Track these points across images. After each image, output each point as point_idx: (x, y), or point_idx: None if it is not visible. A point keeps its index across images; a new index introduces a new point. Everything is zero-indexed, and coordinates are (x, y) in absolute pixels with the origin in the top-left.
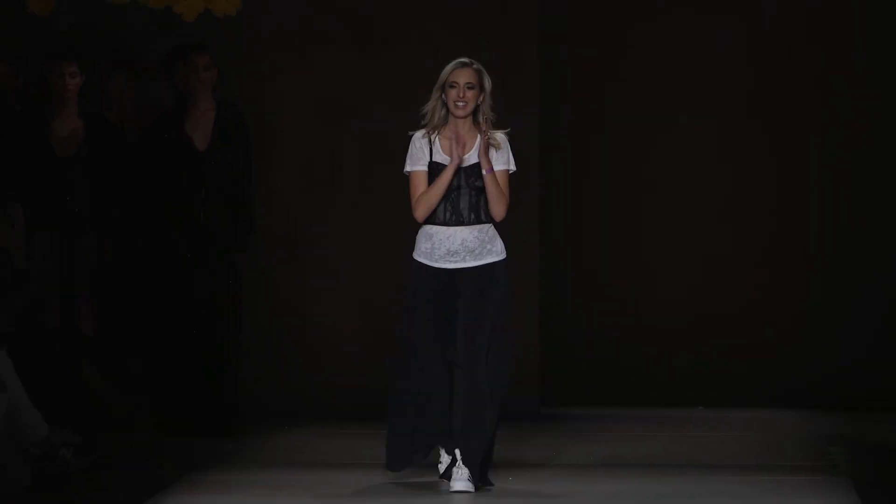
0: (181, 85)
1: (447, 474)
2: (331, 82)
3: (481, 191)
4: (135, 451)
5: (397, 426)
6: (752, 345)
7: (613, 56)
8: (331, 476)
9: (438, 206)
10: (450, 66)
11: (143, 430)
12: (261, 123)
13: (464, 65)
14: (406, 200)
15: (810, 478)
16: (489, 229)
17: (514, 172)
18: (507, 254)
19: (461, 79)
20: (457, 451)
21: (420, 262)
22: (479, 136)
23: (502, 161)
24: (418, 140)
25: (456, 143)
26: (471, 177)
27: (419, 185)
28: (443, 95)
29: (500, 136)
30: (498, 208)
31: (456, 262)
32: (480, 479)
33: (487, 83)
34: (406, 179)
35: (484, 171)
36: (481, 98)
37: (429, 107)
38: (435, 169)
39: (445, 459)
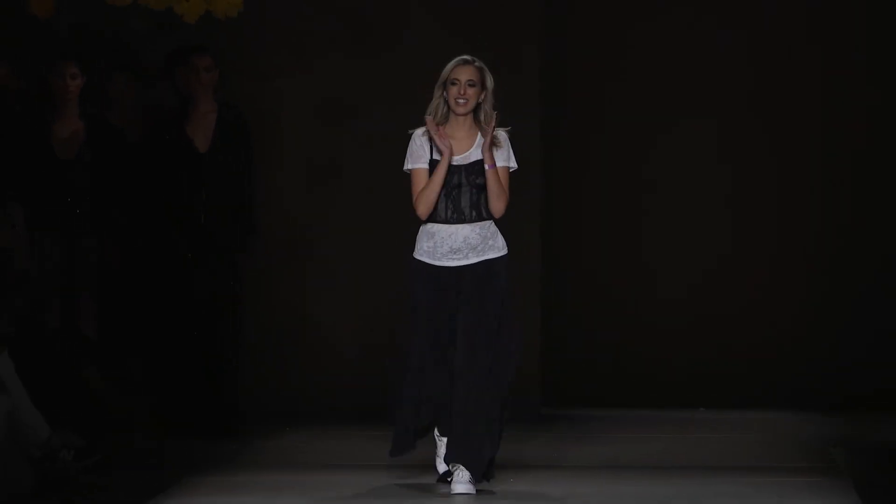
0: (182, 87)
1: (447, 475)
2: (331, 83)
3: (482, 188)
4: (135, 453)
5: (399, 419)
6: (752, 345)
7: (614, 56)
8: (332, 477)
9: (440, 204)
10: (451, 63)
11: (143, 431)
12: (261, 124)
13: (465, 62)
14: (406, 200)
15: (811, 479)
16: (490, 226)
17: (515, 171)
18: (508, 251)
19: (462, 76)
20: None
21: (421, 262)
22: (479, 133)
23: (503, 158)
24: (418, 138)
25: (440, 137)
26: (471, 174)
27: (420, 182)
28: (444, 93)
29: (501, 134)
30: (498, 204)
31: (458, 259)
32: (484, 475)
33: (489, 81)
34: (406, 178)
35: (486, 167)
36: (482, 96)
37: (432, 106)
38: (435, 167)
39: (441, 453)
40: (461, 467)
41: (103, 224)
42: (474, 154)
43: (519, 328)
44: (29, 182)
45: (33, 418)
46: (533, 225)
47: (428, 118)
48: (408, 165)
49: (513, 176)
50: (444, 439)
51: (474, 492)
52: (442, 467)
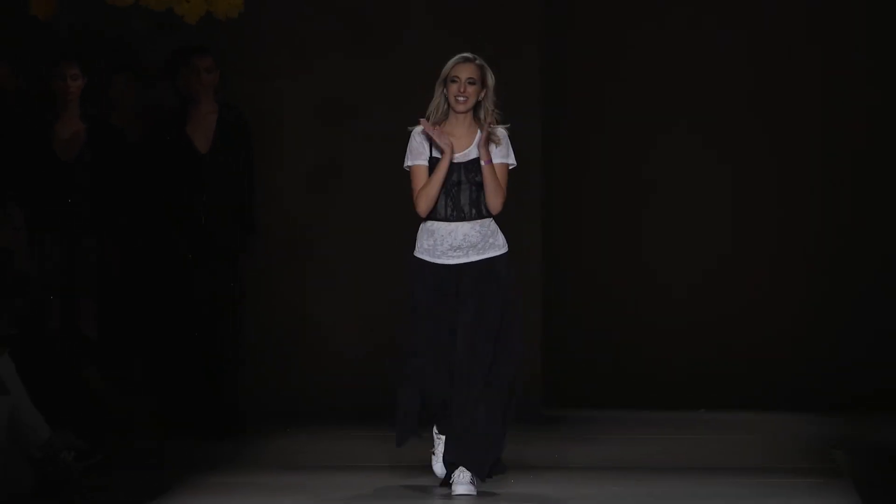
0: (183, 87)
1: (448, 478)
2: (331, 83)
3: (482, 186)
4: (136, 453)
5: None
6: (752, 345)
7: (614, 56)
8: (333, 479)
9: (439, 201)
10: (452, 60)
11: (143, 431)
12: (261, 124)
13: (466, 60)
14: (406, 200)
15: (812, 480)
16: (490, 223)
17: (514, 168)
18: (509, 249)
19: (462, 74)
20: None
21: (421, 260)
22: (479, 131)
23: (501, 155)
24: (418, 135)
25: (440, 135)
26: (471, 172)
27: (420, 179)
28: (444, 90)
29: (500, 130)
30: (494, 201)
31: (458, 257)
32: (491, 472)
33: (490, 79)
34: (406, 176)
35: (482, 162)
36: (483, 94)
37: (433, 105)
38: (435, 164)
39: (439, 452)
40: (462, 468)
41: (104, 224)
42: (474, 152)
43: (520, 327)
44: (30, 183)
45: (34, 419)
46: (534, 225)
47: (423, 121)
48: (407, 162)
49: (513, 175)
50: (443, 437)
51: (475, 493)
52: (438, 467)
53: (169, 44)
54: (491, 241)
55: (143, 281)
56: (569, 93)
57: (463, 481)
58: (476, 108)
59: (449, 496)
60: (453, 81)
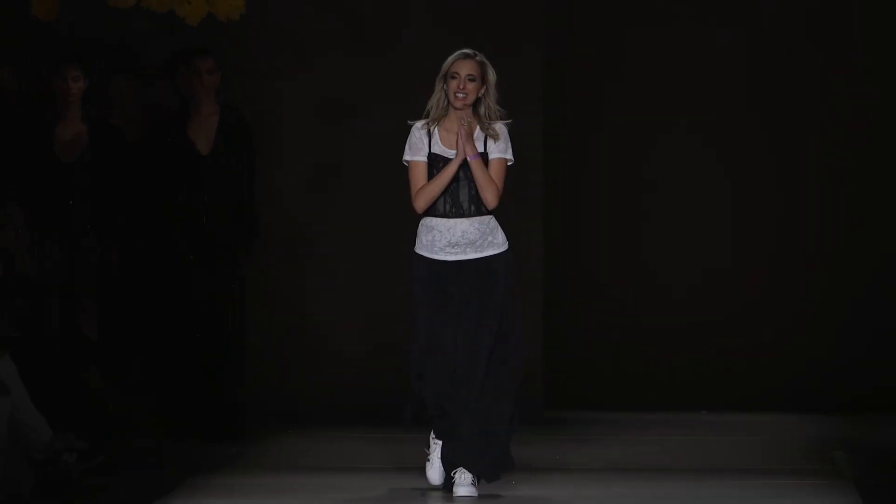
0: (184, 89)
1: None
2: (331, 82)
3: None
4: (137, 454)
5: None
6: (752, 345)
7: (614, 55)
8: (334, 480)
9: (438, 198)
10: (452, 56)
11: (143, 431)
12: (262, 124)
13: (466, 56)
14: (406, 199)
15: (812, 481)
16: (490, 221)
17: (514, 167)
18: (510, 248)
19: (462, 70)
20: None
21: (421, 255)
22: (479, 127)
23: (499, 150)
24: (417, 130)
25: (465, 139)
26: (469, 169)
27: (418, 175)
28: (444, 86)
29: (499, 126)
30: (486, 195)
31: (457, 253)
32: (500, 470)
33: (491, 75)
34: (405, 170)
35: (469, 158)
36: (483, 90)
37: (433, 100)
38: (433, 160)
39: (438, 462)
40: (463, 469)
41: (105, 226)
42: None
43: (520, 326)
44: (30, 184)
45: (35, 420)
46: (534, 224)
47: (459, 120)
48: (407, 157)
49: (513, 174)
50: (439, 442)
51: (476, 494)
52: (431, 473)
53: (170, 45)
54: (490, 239)
55: (143, 281)
56: (568, 92)
57: (464, 482)
58: (476, 104)
59: (450, 497)
60: (453, 78)
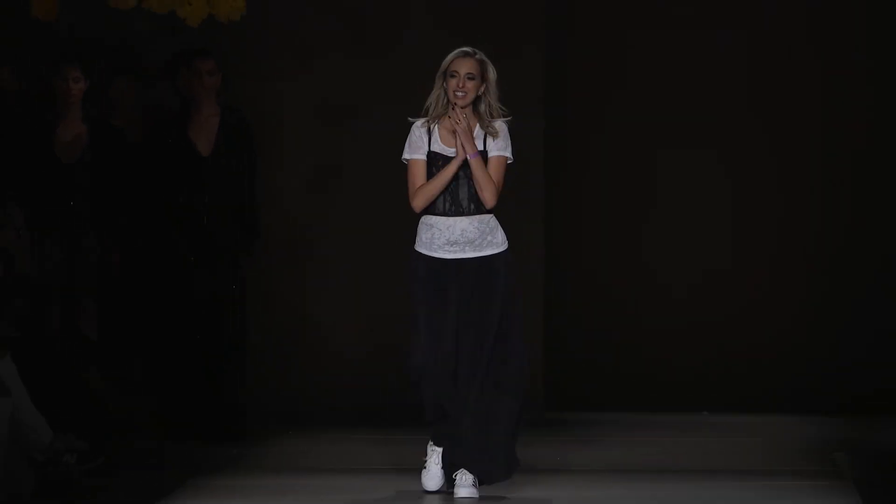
0: (185, 90)
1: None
2: (331, 83)
3: None
4: (138, 455)
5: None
6: (752, 346)
7: (614, 56)
8: (336, 481)
9: (437, 196)
10: (451, 54)
11: (144, 432)
12: (262, 125)
13: (465, 54)
14: (406, 200)
15: (813, 482)
16: (490, 220)
17: (514, 166)
18: (510, 249)
19: (462, 69)
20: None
21: (420, 253)
22: (479, 125)
23: (498, 148)
24: (417, 129)
25: (465, 137)
26: (468, 167)
27: (417, 173)
28: (444, 84)
29: (498, 124)
30: (484, 194)
31: (455, 252)
32: (507, 467)
33: (491, 73)
34: (405, 170)
35: (468, 156)
36: (482, 88)
37: (432, 97)
38: (433, 158)
39: (435, 469)
40: (464, 471)
41: (106, 227)
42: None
43: (520, 326)
44: (31, 184)
45: (35, 421)
46: (535, 224)
47: (454, 116)
48: (406, 155)
49: (514, 174)
50: (437, 449)
51: (477, 495)
52: (426, 479)
53: (170, 46)
54: (489, 238)
55: (143, 282)
56: (569, 93)
57: (465, 484)
58: (476, 102)
59: (451, 498)
60: (452, 76)
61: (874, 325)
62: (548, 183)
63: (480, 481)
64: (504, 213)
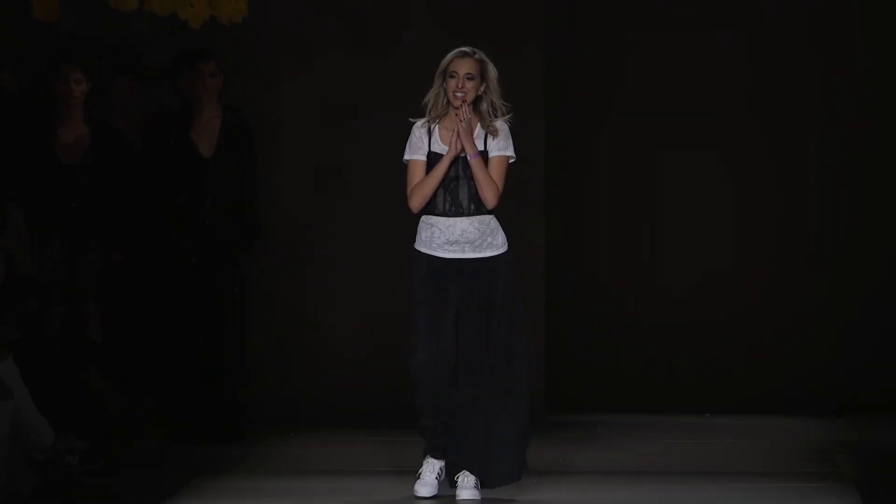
0: (186, 91)
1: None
2: (331, 83)
3: None
4: (140, 456)
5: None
6: (753, 347)
7: (614, 56)
8: (337, 484)
9: (438, 196)
10: (450, 54)
11: (144, 433)
12: (263, 125)
13: (464, 54)
14: (406, 199)
15: (814, 484)
16: (491, 221)
17: (515, 166)
18: (511, 251)
19: (461, 69)
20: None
21: (420, 252)
22: (479, 125)
23: (499, 148)
24: (418, 129)
25: (465, 137)
26: (469, 167)
27: (416, 174)
28: (444, 83)
29: (499, 123)
30: (485, 194)
31: (454, 252)
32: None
33: (492, 72)
34: (406, 170)
35: (469, 156)
36: (482, 88)
37: (431, 95)
38: (433, 159)
39: (429, 477)
40: (466, 472)
41: (108, 229)
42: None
43: (520, 327)
44: (32, 186)
45: (37, 422)
46: (536, 224)
47: (458, 117)
48: (406, 156)
49: (515, 174)
50: (432, 461)
51: (479, 498)
52: (419, 487)
53: (171, 47)
54: (490, 240)
55: (144, 283)
56: (569, 93)
57: (467, 486)
58: (477, 101)
59: (452, 500)
60: (451, 77)
61: (875, 326)
62: (548, 183)
63: (483, 483)
64: (505, 213)
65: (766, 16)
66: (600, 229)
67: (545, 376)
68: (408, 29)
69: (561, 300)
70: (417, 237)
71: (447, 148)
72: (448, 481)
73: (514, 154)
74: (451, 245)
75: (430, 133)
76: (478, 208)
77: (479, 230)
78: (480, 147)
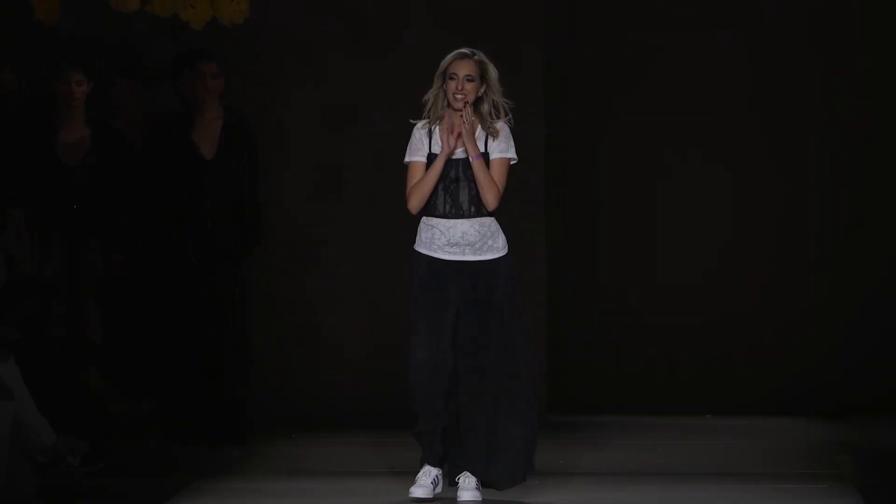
0: (188, 93)
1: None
2: (331, 84)
3: None
4: (141, 458)
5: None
6: (754, 347)
7: (614, 56)
8: (339, 485)
9: (438, 198)
10: (450, 56)
11: (146, 434)
12: (262, 126)
13: (464, 56)
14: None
15: (816, 485)
16: (491, 223)
17: (516, 165)
18: (512, 253)
19: (460, 71)
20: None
21: (420, 253)
22: (480, 126)
23: (499, 150)
24: (418, 131)
25: (450, 133)
26: (469, 169)
27: (416, 176)
28: (443, 85)
29: (499, 124)
30: (486, 196)
31: (455, 254)
32: (517, 471)
33: (492, 73)
34: (405, 169)
35: (471, 158)
36: (482, 89)
37: (430, 94)
38: (433, 160)
39: (425, 479)
40: (467, 473)
41: (109, 230)
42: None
43: (521, 329)
44: (33, 187)
45: (38, 423)
46: (538, 225)
47: (468, 108)
48: (406, 158)
49: (515, 175)
50: (428, 468)
51: (480, 499)
52: (414, 489)
53: (171, 48)
54: (490, 242)
55: (145, 283)
56: (570, 93)
57: (468, 487)
58: (478, 102)
59: (453, 501)
60: (451, 79)
61: (876, 326)
62: (548, 183)
63: (485, 484)
64: (506, 213)
65: (766, 16)
66: (601, 229)
67: (546, 377)
68: (408, 29)
69: (561, 300)
70: (417, 238)
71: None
72: (449, 482)
73: (515, 156)
74: (452, 247)
75: (430, 135)
76: (478, 210)
77: (479, 232)
78: (481, 148)
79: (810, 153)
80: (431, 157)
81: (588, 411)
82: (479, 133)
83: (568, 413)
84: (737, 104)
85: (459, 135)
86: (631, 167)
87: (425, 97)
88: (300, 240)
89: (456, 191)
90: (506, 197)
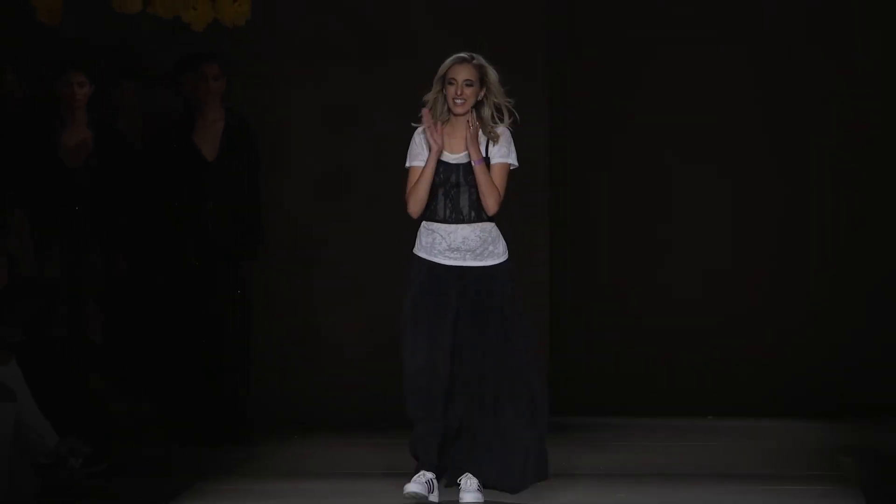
0: (189, 94)
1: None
2: (331, 84)
3: None
4: (143, 459)
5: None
6: (755, 348)
7: (615, 57)
8: (341, 486)
9: (438, 203)
10: (449, 60)
11: (146, 434)
12: (264, 127)
13: (463, 60)
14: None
15: (819, 487)
16: (492, 229)
17: (517, 170)
18: (514, 257)
19: (459, 76)
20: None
21: (420, 257)
22: (480, 130)
23: (500, 155)
24: (418, 136)
25: (434, 132)
26: (469, 174)
27: (414, 180)
28: (443, 89)
29: (500, 129)
30: (487, 201)
31: (455, 259)
32: (537, 474)
33: (492, 76)
34: (405, 170)
35: (473, 163)
36: (482, 93)
37: (430, 97)
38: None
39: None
40: (469, 475)
41: (108, 228)
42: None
43: (521, 333)
44: (35, 189)
45: (40, 425)
46: (541, 228)
47: (425, 111)
48: (407, 163)
49: (517, 177)
50: (423, 473)
51: (482, 500)
52: (411, 485)
53: (172, 49)
54: (491, 248)
55: (147, 285)
56: (569, 93)
57: (470, 488)
58: (479, 106)
59: (454, 501)
60: (450, 84)
61: (876, 326)
62: (550, 183)
63: (485, 484)
64: (508, 215)
65: (766, 16)
66: (601, 230)
67: (546, 377)
68: (408, 29)
69: (562, 301)
70: (417, 242)
71: (448, 154)
72: (450, 483)
73: (516, 162)
74: (453, 252)
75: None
76: (478, 215)
77: (480, 238)
78: (483, 153)
79: (810, 153)
80: None
81: (588, 412)
82: (480, 137)
83: (568, 414)
84: (737, 104)
85: (442, 133)
86: (631, 167)
87: (424, 98)
88: (300, 240)
89: (456, 196)
90: (507, 198)
